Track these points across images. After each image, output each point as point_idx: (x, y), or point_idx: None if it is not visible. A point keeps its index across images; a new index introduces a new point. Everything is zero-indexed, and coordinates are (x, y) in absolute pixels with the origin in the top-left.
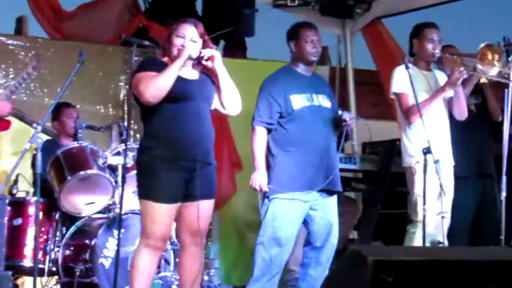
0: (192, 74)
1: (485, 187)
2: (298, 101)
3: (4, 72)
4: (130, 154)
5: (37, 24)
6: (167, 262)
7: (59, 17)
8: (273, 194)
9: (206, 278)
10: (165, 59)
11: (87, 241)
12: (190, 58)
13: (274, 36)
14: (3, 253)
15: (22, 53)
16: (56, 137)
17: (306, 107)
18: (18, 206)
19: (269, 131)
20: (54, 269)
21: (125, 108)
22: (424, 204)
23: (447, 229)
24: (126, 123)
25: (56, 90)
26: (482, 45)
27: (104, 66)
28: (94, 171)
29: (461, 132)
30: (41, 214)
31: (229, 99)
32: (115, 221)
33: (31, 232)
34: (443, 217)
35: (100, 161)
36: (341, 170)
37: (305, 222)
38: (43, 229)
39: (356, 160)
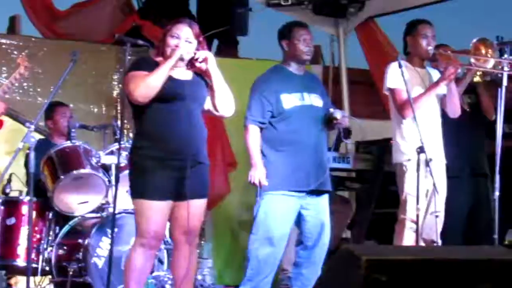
0: (185, 74)
1: (478, 186)
2: (289, 100)
3: None
4: (124, 154)
5: (30, 23)
6: (160, 261)
7: (53, 16)
8: (265, 193)
9: (199, 277)
10: (159, 59)
11: (80, 241)
12: (181, 59)
13: (267, 36)
14: None
15: (15, 52)
16: (49, 136)
17: (297, 107)
18: (11, 206)
19: (260, 130)
20: (47, 268)
21: (118, 108)
22: (417, 203)
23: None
24: (119, 122)
25: (49, 89)
26: (475, 40)
27: (97, 65)
28: (87, 170)
29: (454, 131)
30: (34, 213)
31: (222, 101)
32: (108, 220)
33: (24, 231)
34: (436, 217)
35: (94, 161)
36: (335, 169)
37: (297, 222)
38: (36, 228)
39: (350, 159)
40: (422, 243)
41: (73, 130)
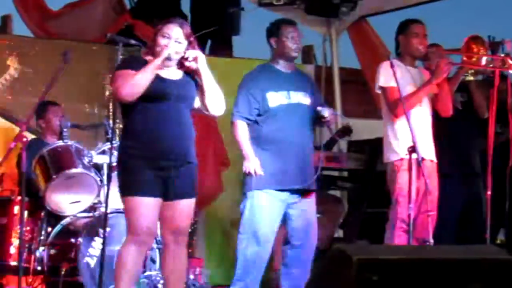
0: (175, 74)
1: (470, 185)
2: (275, 99)
3: None
4: (116, 153)
5: (22, 23)
6: (153, 260)
7: (45, 15)
8: (250, 192)
9: (191, 277)
10: (148, 58)
11: (72, 240)
12: (168, 58)
13: (259, 35)
14: None
15: (7, 51)
16: (41, 135)
17: (283, 105)
18: (3, 205)
19: (247, 126)
20: (39, 268)
21: (111, 107)
22: (410, 203)
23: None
24: (111, 122)
25: (41, 88)
26: (467, 38)
27: (89, 65)
28: (79, 170)
29: (446, 129)
30: (26, 213)
31: (212, 100)
32: (100, 220)
33: (16, 231)
34: (428, 216)
35: (86, 160)
36: (326, 168)
37: (284, 221)
38: (28, 228)
39: (342, 158)
40: (414, 243)
41: (65, 129)
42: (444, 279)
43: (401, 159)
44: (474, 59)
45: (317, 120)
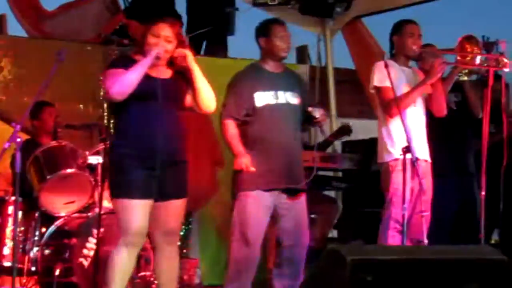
0: (164, 73)
1: (464, 186)
2: (262, 98)
3: None
4: None
5: (17, 23)
6: (147, 261)
7: (39, 15)
8: (239, 193)
9: (185, 277)
10: (138, 57)
11: (66, 241)
12: (157, 57)
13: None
14: None
15: (1, 52)
16: (35, 136)
17: (270, 105)
18: None
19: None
20: (33, 269)
21: (105, 107)
22: (404, 203)
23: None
24: (105, 122)
25: (35, 89)
26: (461, 37)
27: (84, 65)
28: (73, 170)
29: (441, 129)
30: (20, 213)
31: (203, 98)
32: (94, 220)
33: (9, 231)
34: (422, 216)
35: (80, 160)
36: (321, 168)
37: (275, 222)
38: (22, 228)
39: (336, 159)
40: (408, 243)
41: (59, 130)
42: (439, 279)
43: (396, 159)
44: (468, 58)
45: (308, 120)
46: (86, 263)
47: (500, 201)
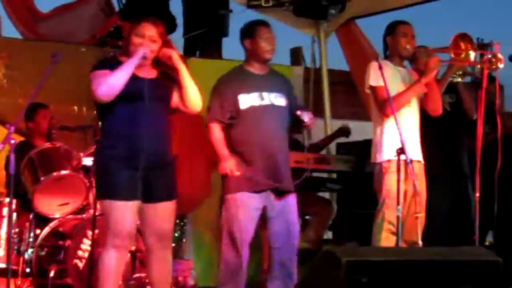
0: (150, 73)
1: (459, 187)
2: (246, 101)
3: None
4: None
5: (11, 25)
6: (142, 263)
7: (34, 17)
8: (227, 195)
9: (180, 278)
10: (123, 58)
11: (61, 242)
12: (144, 57)
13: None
14: None
15: None
16: (29, 138)
17: (255, 107)
18: None
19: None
20: (28, 270)
21: None
22: (398, 204)
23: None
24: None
25: (29, 90)
26: (455, 35)
27: (78, 67)
28: (67, 172)
29: (435, 130)
30: (14, 215)
31: (190, 97)
32: (89, 222)
33: (4, 233)
34: (417, 218)
35: (74, 162)
36: (316, 170)
37: (264, 224)
38: (16, 230)
39: (331, 160)
40: (403, 245)
41: (53, 131)
42: (434, 280)
43: (389, 161)
44: (462, 56)
45: (296, 124)
46: (80, 264)
47: (494, 203)
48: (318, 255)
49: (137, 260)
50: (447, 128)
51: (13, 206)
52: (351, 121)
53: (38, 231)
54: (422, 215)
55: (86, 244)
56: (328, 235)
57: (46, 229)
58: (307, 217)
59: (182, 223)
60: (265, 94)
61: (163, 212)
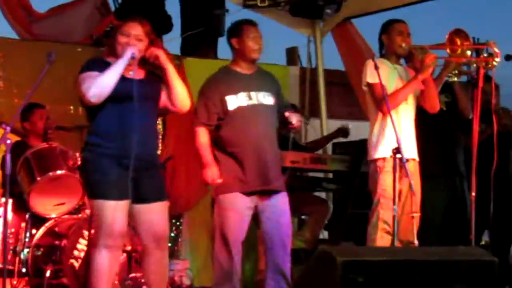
0: (138, 73)
1: (454, 186)
2: (234, 101)
3: None
4: None
5: (7, 25)
6: (137, 262)
7: (30, 17)
8: (218, 196)
9: (176, 278)
10: (110, 58)
11: (57, 242)
12: (132, 57)
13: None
14: None
15: None
16: (25, 138)
17: (243, 107)
18: None
19: (210, 132)
20: (24, 270)
21: None
22: (394, 204)
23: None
24: None
25: (25, 90)
26: (450, 32)
27: (74, 67)
28: (63, 172)
29: (431, 130)
30: (10, 215)
31: (178, 96)
32: (85, 221)
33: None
34: (413, 217)
35: (70, 162)
36: (312, 170)
37: (257, 224)
38: (12, 230)
39: (327, 160)
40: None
41: (49, 131)
42: (429, 280)
43: (384, 160)
44: (458, 52)
45: (284, 124)
46: (76, 264)
47: (490, 202)
48: (314, 255)
49: (133, 260)
50: (443, 127)
51: (9, 206)
52: (347, 121)
53: (34, 231)
54: (418, 215)
55: (82, 244)
56: (324, 234)
57: (42, 229)
58: (303, 216)
59: (178, 223)
60: (253, 94)
61: (157, 213)
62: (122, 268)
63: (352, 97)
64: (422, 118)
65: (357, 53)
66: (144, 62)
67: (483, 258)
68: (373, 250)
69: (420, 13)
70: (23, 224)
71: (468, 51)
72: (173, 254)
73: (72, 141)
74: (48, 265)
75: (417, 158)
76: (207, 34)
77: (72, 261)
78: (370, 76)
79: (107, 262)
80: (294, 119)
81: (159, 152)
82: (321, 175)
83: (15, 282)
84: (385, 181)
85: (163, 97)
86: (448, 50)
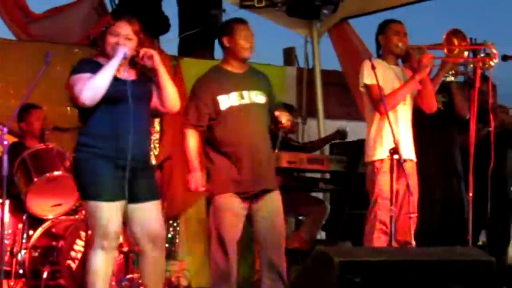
0: (130, 74)
1: (451, 186)
2: (225, 101)
3: None
4: None
5: (4, 26)
6: (134, 263)
7: (27, 18)
8: (212, 197)
9: (173, 279)
10: (100, 59)
11: (54, 243)
12: (124, 57)
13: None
14: None
15: None
16: (22, 139)
17: (235, 107)
18: None
19: (201, 133)
20: (21, 271)
21: None
22: (391, 205)
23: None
24: None
25: (22, 91)
26: (447, 32)
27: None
28: (60, 172)
29: (428, 130)
30: (7, 216)
31: (168, 97)
32: (82, 223)
33: None
34: (410, 218)
35: (67, 163)
36: (309, 170)
37: (250, 224)
38: (9, 231)
39: (324, 160)
40: (395, 245)
41: (46, 132)
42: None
43: (382, 161)
44: (455, 52)
45: (274, 124)
46: (74, 265)
47: (487, 202)
48: (311, 255)
49: (130, 261)
50: (440, 127)
51: (6, 207)
52: (344, 122)
53: (31, 232)
54: (415, 215)
55: (79, 245)
56: (321, 235)
57: (39, 230)
58: (300, 217)
59: (175, 224)
60: (245, 93)
61: (151, 212)
62: (119, 269)
63: (349, 98)
64: (419, 118)
65: (354, 54)
66: (134, 62)
67: (481, 258)
68: (370, 251)
69: (417, 13)
70: (20, 225)
71: (466, 52)
72: (170, 255)
73: (69, 142)
74: (45, 266)
75: (414, 159)
76: (204, 35)
77: (69, 262)
78: (367, 77)
79: (103, 263)
80: (284, 118)
81: (156, 152)
82: (318, 175)
83: (12, 284)
84: (383, 182)
85: (154, 97)
86: (445, 50)
